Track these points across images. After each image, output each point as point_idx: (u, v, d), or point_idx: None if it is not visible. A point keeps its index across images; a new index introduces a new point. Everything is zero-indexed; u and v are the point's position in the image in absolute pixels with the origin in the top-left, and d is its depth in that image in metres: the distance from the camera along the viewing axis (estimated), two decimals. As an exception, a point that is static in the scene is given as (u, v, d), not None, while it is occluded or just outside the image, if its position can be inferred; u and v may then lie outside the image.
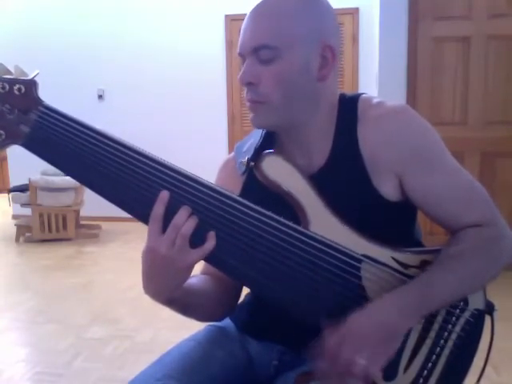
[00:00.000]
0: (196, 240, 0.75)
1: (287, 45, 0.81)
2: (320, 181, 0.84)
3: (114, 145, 0.76)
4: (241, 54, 0.86)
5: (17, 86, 0.74)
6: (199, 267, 1.00)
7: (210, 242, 0.76)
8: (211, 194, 0.77)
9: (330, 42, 0.84)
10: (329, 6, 0.86)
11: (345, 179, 0.87)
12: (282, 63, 0.82)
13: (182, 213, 0.74)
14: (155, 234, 0.74)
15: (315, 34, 0.83)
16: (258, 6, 0.84)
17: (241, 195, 0.80)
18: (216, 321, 1.01)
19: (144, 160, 0.76)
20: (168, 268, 0.75)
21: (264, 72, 0.82)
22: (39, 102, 0.75)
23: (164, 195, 0.74)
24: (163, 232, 0.74)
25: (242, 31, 0.85)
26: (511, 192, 3.36)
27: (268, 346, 0.97)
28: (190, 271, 0.78)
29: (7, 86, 0.74)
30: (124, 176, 0.76)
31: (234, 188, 0.90)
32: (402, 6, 3.37)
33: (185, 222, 0.74)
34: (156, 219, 0.74)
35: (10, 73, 0.75)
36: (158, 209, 0.74)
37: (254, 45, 0.82)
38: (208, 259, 0.79)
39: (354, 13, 5.03)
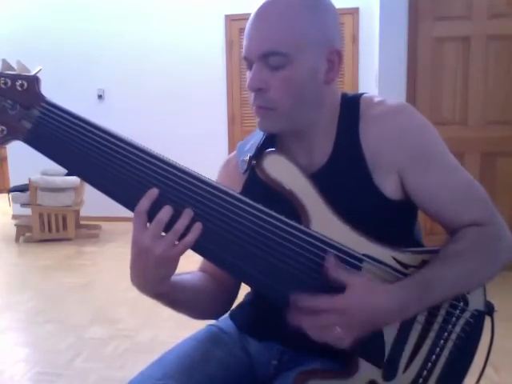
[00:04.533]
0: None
1: (297, 51, 0.80)
2: (321, 179, 0.84)
3: (115, 141, 0.76)
4: (247, 59, 0.85)
5: (19, 81, 0.74)
6: (197, 264, 1.00)
7: (193, 234, 0.75)
8: (209, 189, 0.77)
9: (337, 46, 0.84)
10: (333, 8, 0.86)
11: (346, 178, 0.87)
12: (291, 69, 0.81)
13: (166, 210, 0.74)
14: (139, 227, 0.75)
15: (323, 39, 0.82)
16: (265, 9, 0.82)
17: (242, 193, 0.80)
18: (211, 318, 1.01)
19: (144, 156, 0.76)
20: (151, 261, 0.75)
21: (273, 78, 0.82)
22: (41, 97, 0.75)
23: (152, 193, 0.75)
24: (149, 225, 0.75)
25: (247, 34, 0.84)
26: (511, 192, 3.35)
27: (268, 346, 0.97)
28: (174, 264, 0.77)
29: (9, 82, 0.74)
30: (124, 172, 0.76)
31: (235, 187, 0.90)
32: (402, 6, 3.37)
33: (168, 218, 0.74)
34: (140, 214, 0.75)
35: (12, 69, 0.75)
36: (143, 204, 0.74)
37: (263, 51, 0.81)
38: (205, 255, 0.80)
39: (354, 13, 5.03)
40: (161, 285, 0.79)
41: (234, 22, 5.22)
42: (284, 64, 0.81)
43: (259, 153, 0.87)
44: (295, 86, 0.82)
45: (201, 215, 0.76)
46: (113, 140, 0.76)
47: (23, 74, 0.75)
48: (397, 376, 0.82)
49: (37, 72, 0.76)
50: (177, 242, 0.75)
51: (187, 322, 0.95)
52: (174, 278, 0.81)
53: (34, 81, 0.75)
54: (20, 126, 0.75)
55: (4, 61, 0.75)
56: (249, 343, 1.00)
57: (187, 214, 0.75)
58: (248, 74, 0.85)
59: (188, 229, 0.75)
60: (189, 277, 0.92)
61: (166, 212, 0.75)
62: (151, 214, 0.75)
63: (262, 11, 0.82)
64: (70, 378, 2.19)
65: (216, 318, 1.01)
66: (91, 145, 0.76)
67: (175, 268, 0.79)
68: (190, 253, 0.77)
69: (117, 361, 2.32)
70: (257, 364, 0.98)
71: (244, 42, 0.85)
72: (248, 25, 0.84)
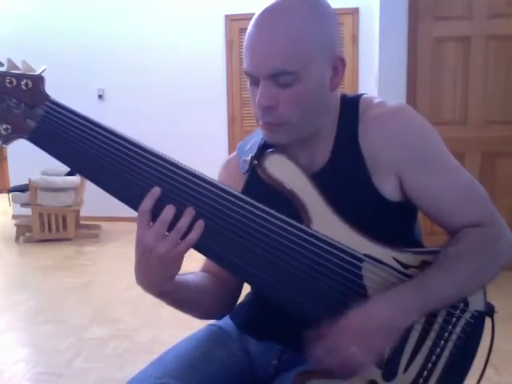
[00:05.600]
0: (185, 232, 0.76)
1: (306, 67, 0.79)
2: (321, 180, 0.84)
3: (118, 140, 0.77)
4: (252, 75, 0.82)
5: (24, 81, 0.75)
6: (200, 264, 1.00)
7: (195, 233, 0.76)
8: (211, 188, 0.77)
9: (339, 53, 0.84)
10: (333, 12, 0.84)
11: (346, 179, 0.87)
12: (300, 85, 0.80)
13: (169, 210, 0.75)
14: (142, 226, 0.75)
15: (328, 48, 0.82)
16: (268, 22, 0.79)
17: (243, 193, 0.80)
18: (214, 318, 1.01)
19: (147, 155, 0.77)
20: (154, 260, 0.75)
21: (282, 95, 0.80)
22: (46, 97, 0.76)
23: (155, 191, 0.75)
24: (153, 224, 0.75)
25: (250, 48, 0.81)
26: (511, 192, 3.35)
27: (268, 346, 0.97)
28: (178, 263, 0.78)
29: (14, 81, 0.74)
30: (127, 171, 0.76)
31: (236, 186, 0.90)
32: (402, 6, 3.37)
33: (171, 217, 0.75)
34: (143, 213, 0.75)
35: (17, 68, 0.75)
36: (147, 204, 0.75)
37: (272, 70, 0.79)
38: (207, 254, 0.80)
39: (354, 13, 5.03)
40: (165, 284, 0.79)
41: (233, 21, 5.22)
42: (293, 81, 0.79)
43: (260, 153, 0.87)
44: (304, 100, 0.81)
45: (203, 214, 0.77)
46: (116, 139, 0.77)
47: (28, 73, 0.76)
48: (397, 376, 0.82)
49: (42, 71, 0.77)
50: (180, 241, 0.76)
51: (187, 322, 0.96)
52: (178, 277, 0.81)
53: (38, 80, 0.76)
54: (25, 124, 0.75)
55: (9, 60, 0.75)
56: (249, 343, 1.00)
57: (189, 213, 0.76)
58: (252, 89, 0.84)
59: (190, 227, 0.76)
60: (192, 276, 0.92)
61: (168, 212, 0.75)
62: (155, 213, 0.75)
63: (265, 25, 0.80)
64: (69, 378, 2.18)
65: (219, 317, 1.01)
66: (95, 143, 0.76)
67: (179, 267, 0.79)
68: (191, 252, 0.78)
69: (117, 361, 2.32)
70: (257, 364, 0.98)
71: (247, 56, 0.82)
72: (250, 37, 0.81)
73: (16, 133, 0.75)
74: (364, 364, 0.75)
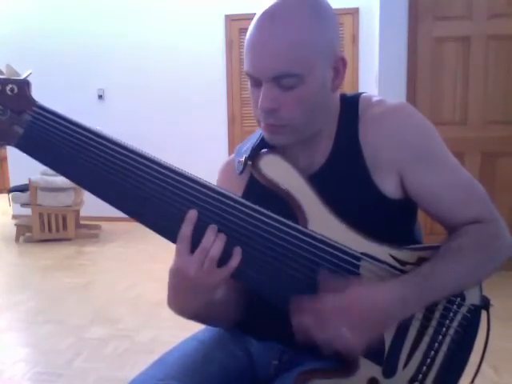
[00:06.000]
0: (222, 258, 0.75)
1: (309, 69, 0.79)
2: (321, 179, 0.85)
3: (109, 144, 0.75)
4: (253, 77, 0.82)
5: (9, 86, 0.72)
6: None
7: (236, 259, 0.76)
8: (208, 192, 0.76)
9: (340, 53, 0.84)
10: (333, 13, 0.84)
11: (346, 177, 0.87)
12: (303, 88, 0.79)
13: (210, 234, 0.74)
14: (184, 254, 0.74)
15: (330, 49, 0.81)
16: (269, 24, 0.78)
17: (244, 196, 0.80)
18: (233, 325, 1.00)
19: (142, 160, 0.75)
20: (195, 288, 0.76)
21: (285, 97, 0.80)
22: (32, 102, 0.74)
23: (192, 215, 0.74)
24: (191, 251, 0.74)
25: (252, 50, 0.80)
26: (511, 192, 3.35)
27: (268, 346, 0.97)
28: (218, 289, 0.79)
29: None
30: (119, 176, 0.75)
31: (234, 189, 0.89)
32: (402, 6, 3.37)
33: (213, 243, 0.74)
34: (185, 239, 0.74)
35: (1, 73, 0.74)
36: (187, 229, 0.74)
37: (275, 73, 0.78)
38: None
39: (354, 13, 5.03)
40: (200, 307, 0.81)
41: (233, 21, 5.23)
42: (297, 84, 0.79)
43: (255, 153, 0.86)
44: (307, 102, 0.81)
45: (205, 221, 0.76)
46: (106, 143, 0.75)
47: (13, 78, 0.73)
48: (397, 372, 0.82)
49: (27, 76, 0.75)
50: (216, 269, 0.75)
51: (187, 322, 0.95)
52: None
53: (24, 85, 0.73)
54: (12, 131, 0.73)
55: None
56: (249, 343, 1.00)
57: (213, 231, 0.75)
58: (252, 90, 0.84)
59: (226, 253, 0.75)
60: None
61: (209, 238, 0.74)
62: (176, 232, 0.74)
63: (266, 26, 0.79)
64: (69, 378, 2.18)
65: (236, 322, 1.00)
66: (85, 149, 0.74)
67: (217, 292, 0.80)
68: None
69: (117, 361, 2.32)
70: (257, 364, 0.98)
71: (248, 58, 0.81)
72: (251, 38, 0.80)
73: (3, 140, 0.73)
74: (351, 347, 0.74)
